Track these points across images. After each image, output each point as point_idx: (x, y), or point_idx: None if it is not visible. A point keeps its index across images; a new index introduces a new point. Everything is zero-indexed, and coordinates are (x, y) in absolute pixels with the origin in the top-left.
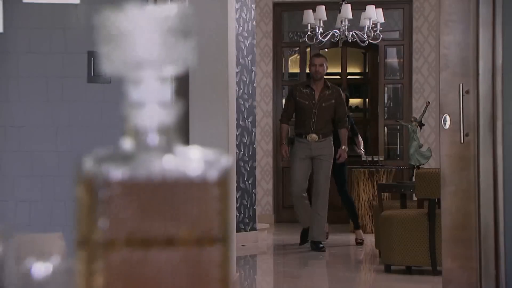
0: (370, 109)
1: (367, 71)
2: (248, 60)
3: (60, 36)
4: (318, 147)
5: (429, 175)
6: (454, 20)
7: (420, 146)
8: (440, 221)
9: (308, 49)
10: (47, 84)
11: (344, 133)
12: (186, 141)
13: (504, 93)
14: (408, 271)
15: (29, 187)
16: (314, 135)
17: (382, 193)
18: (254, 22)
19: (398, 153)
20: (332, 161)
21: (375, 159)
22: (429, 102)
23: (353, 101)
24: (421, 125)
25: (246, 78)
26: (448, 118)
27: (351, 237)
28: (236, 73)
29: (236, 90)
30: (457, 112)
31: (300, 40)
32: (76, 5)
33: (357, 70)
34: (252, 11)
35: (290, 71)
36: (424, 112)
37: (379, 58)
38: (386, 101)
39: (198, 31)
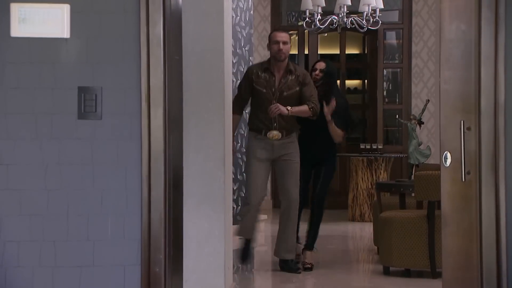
0: (369, 93)
1: (366, 52)
2: (245, 50)
3: (49, 71)
4: (282, 147)
5: (428, 178)
6: (455, 55)
7: (420, 144)
8: (439, 223)
9: (306, 31)
10: (36, 121)
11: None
12: (180, 156)
13: (506, 132)
14: (407, 273)
15: (18, 226)
16: (276, 133)
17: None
18: (252, 11)
19: (397, 135)
20: (299, 161)
21: (374, 146)
22: (428, 100)
23: (352, 83)
24: (420, 123)
25: (243, 69)
26: (449, 155)
27: (350, 227)
28: (234, 63)
29: (233, 81)
30: (458, 149)
31: (299, 24)
32: (66, 39)
33: (356, 52)
34: (250, 0)
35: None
36: (423, 110)
37: (378, 42)
38: (385, 85)
39: (194, 38)
